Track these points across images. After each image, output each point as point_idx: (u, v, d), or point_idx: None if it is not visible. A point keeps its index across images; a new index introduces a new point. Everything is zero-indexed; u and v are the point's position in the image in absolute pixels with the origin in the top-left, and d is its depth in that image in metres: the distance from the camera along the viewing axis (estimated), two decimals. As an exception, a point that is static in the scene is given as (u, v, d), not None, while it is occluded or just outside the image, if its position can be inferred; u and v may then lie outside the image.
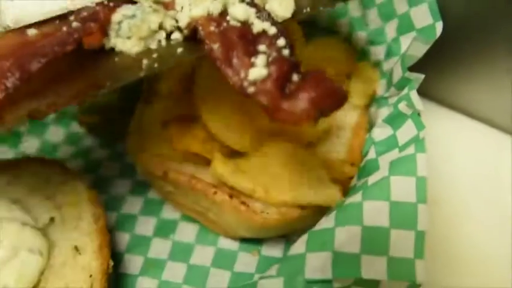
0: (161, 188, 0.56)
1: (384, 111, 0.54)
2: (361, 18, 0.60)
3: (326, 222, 0.44)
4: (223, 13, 0.42)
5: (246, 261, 0.53)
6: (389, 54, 0.56)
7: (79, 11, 0.43)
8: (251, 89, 0.38)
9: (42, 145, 0.64)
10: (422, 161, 0.44)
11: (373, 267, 0.42)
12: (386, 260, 0.42)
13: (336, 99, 0.38)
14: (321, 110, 0.37)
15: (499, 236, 0.56)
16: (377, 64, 0.58)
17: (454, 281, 0.53)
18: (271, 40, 0.40)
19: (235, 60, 0.39)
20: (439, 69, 0.64)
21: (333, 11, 0.62)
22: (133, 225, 0.56)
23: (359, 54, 0.60)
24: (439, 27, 0.50)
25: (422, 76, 0.51)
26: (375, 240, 0.42)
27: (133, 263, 0.53)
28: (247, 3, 0.42)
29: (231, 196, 0.50)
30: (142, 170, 0.56)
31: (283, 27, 0.41)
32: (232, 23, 0.41)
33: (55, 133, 0.65)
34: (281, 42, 0.40)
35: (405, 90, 0.51)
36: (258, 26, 0.41)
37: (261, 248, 0.54)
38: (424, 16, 0.52)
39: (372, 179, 0.46)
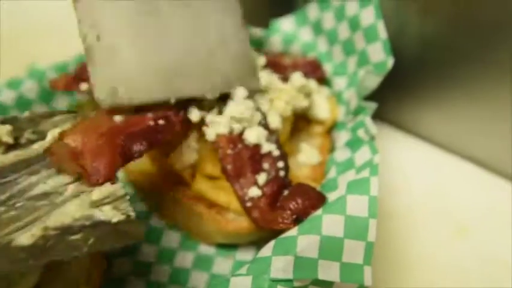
0: (148, 200, 0.62)
1: (343, 135, 0.59)
2: (327, 52, 0.66)
3: (291, 231, 0.48)
4: (241, 133, 0.53)
5: (222, 264, 0.58)
6: (349, 85, 0.62)
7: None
8: (248, 204, 0.53)
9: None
10: (375, 183, 0.48)
11: (328, 270, 0.46)
12: (339, 264, 0.46)
13: (316, 204, 0.51)
14: (302, 216, 0.50)
15: (443, 244, 0.61)
16: (339, 93, 0.64)
17: (403, 283, 0.57)
18: (274, 161, 0.54)
19: (242, 179, 0.53)
20: (400, 98, 0.69)
21: (304, 45, 0.68)
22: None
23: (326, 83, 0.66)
24: (390, 61, 0.56)
25: (375, 104, 0.57)
26: (330, 248, 0.46)
27: (125, 263, 0.57)
28: (262, 125, 0.54)
29: (209, 207, 0.56)
30: (130, 184, 0.62)
31: (285, 152, 0.54)
32: (246, 143, 0.53)
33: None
34: (280, 164, 0.54)
35: (361, 117, 0.57)
36: (265, 147, 0.54)
37: (235, 253, 0.59)
38: (378, 52, 0.58)
39: (331, 197, 0.51)
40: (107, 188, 0.42)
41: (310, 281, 0.47)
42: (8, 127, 0.45)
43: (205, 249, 0.60)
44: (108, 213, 0.41)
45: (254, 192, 0.53)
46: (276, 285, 0.46)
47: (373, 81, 0.58)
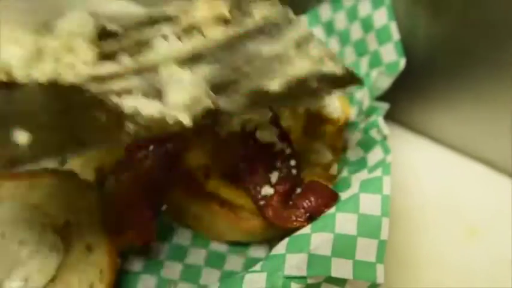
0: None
1: (356, 135, 0.60)
2: (339, 53, 0.66)
3: (304, 229, 0.49)
4: (253, 132, 0.54)
5: (234, 262, 0.58)
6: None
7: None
8: (261, 202, 0.53)
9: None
10: (387, 182, 0.49)
11: (341, 268, 0.46)
12: (352, 262, 0.46)
13: (329, 202, 0.51)
14: (315, 214, 0.50)
15: (453, 244, 0.61)
16: (351, 94, 0.64)
17: (412, 283, 0.58)
18: (286, 159, 0.54)
19: (255, 178, 0.53)
20: (411, 99, 0.69)
21: None
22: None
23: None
24: (402, 62, 0.57)
25: (388, 105, 0.57)
26: (344, 246, 0.47)
27: (136, 261, 0.58)
28: (274, 124, 0.54)
29: (221, 206, 0.57)
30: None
31: (297, 151, 0.54)
32: (259, 142, 0.53)
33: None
34: (293, 162, 0.54)
35: (373, 117, 0.57)
36: (278, 146, 0.54)
37: (247, 251, 0.59)
38: (391, 53, 0.59)
39: (344, 195, 0.51)
40: (322, 49, 0.50)
41: (323, 278, 0.47)
42: (225, 4, 0.51)
43: (217, 246, 0.60)
44: (331, 66, 0.49)
45: (267, 190, 0.54)
46: (289, 282, 0.47)
47: (385, 82, 0.59)
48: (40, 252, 0.52)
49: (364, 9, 0.61)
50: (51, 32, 0.44)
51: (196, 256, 0.59)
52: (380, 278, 0.47)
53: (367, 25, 0.61)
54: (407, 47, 0.59)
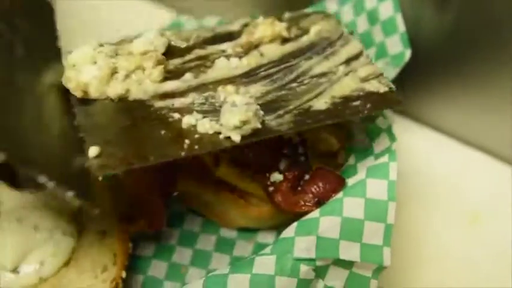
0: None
1: (362, 124, 0.60)
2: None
3: (313, 213, 0.50)
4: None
5: (243, 247, 0.60)
6: (368, 76, 0.64)
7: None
8: (271, 188, 0.54)
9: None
10: (394, 168, 0.50)
11: (349, 251, 0.48)
12: (359, 245, 0.48)
13: (337, 187, 0.52)
14: (323, 199, 0.51)
15: (456, 230, 0.63)
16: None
17: (416, 265, 0.60)
18: (294, 146, 0.55)
19: (264, 165, 0.54)
20: (414, 89, 0.70)
21: None
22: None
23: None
24: (407, 53, 0.58)
25: None
26: (351, 229, 0.48)
27: (148, 247, 0.59)
28: None
29: (231, 192, 0.58)
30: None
31: (304, 138, 0.55)
32: None
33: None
34: (300, 149, 0.55)
35: None
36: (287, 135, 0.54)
37: (256, 237, 0.60)
38: (396, 44, 0.59)
39: (351, 181, 0.52)
40: (369, 67, 0.54)
41: (331, 260, 0.48)
42: (284, 24, 0.57)
43: (227, 233, 0.61)
44: (375, 85, 0.52)
45: (276, 177, 0.55)
46: (299, 264, 0.48)
47: (390, 73, 0.59)
48: (54, 237, 0.53)
49: (370, 2, 0.62)
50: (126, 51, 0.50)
51: (206, 242, 0.60)
52: (387, 261, 0.48)
53: (373, 17, 0.62)
54: (412, 38, 0.59)
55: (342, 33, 0.57)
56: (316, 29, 0.58)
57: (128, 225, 0.56)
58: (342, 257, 0.48)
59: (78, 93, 0.48)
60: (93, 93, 0.48)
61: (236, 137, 0.46)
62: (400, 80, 0.59)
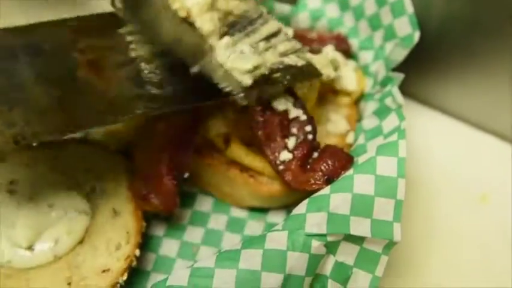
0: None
1: (371, 105, 0.61)
2: (354, 28, 0.68)
3: (324, 190, 0.50)
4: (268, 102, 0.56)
5: (254, 227, 0.60)
6: (376, 58, 0.64)
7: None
8: (281, 167, 0.55)
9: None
10: (403, 146, 0.50)
11: (360, 226, 0.48)
12: (370, 221, 0.48)
13: (345, 164, 0.53)
14: (332, 176, 0.52)
15: (465, 210, 0.63)
16: (365, 66, 0.66)
17: (426, 243, 0.61)
18: (302, 125, 0.56)
19: (272, 144, 0.55)
20: (422, 72, 0.71)
21: (330, 21, 0.70)
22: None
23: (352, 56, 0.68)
24: (416, 35, 0.58)
25: (402, 75, 0.58)
26: (362, 205, 0.48)
27: (160, 226, 0.60)
28: (288, 92, 0.56)
29: (242, 171, 0.58)
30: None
31: (311, 116, 0.56)
32: (275, 110, 0.55)
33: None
34: (308, 128, 0.56)
35: (388, 87, 0.59)
36: (293, 113, 0.56)
37: (266, 216, 0.61)
38: (405, 26, 0.60)
39: (361, 159, 0.52)
40: (288, 43, 0.57)
41: (342, 236, 0.49)
42: None
43: (237, 212, 0.62)
44: (294, 59, 0.56)
45: (285, 156, 0.55)
46: (310, 240, 0.48)
47: (400, 54, 0.60)
48: (68, 216, 0.54)
49: (378, -16, 0.63)
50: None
51: (217, 221, 0.61)
52: (397, 236, 0.49)
53: (381, 0, 0.63)
54: (420, 20, 0.60)
55: (262, 13, 0.58)
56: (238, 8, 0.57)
57: (142, 204, 0.56)
58: (352, 232, 0.48)
59: (181, 14, 0.52)
60: (194, 16, 0.52)
61: (248, 80, 0.52)
62: (407, 62, 0.60)
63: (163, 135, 0.57)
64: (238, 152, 0.58)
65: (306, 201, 0.51)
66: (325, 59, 0.61)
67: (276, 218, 0.61)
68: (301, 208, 0.51)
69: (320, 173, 0.53)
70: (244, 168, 0.58)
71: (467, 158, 0.68)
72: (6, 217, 0.53)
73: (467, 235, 0.62)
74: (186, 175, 0.58)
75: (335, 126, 0.62)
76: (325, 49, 0.64)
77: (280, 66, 0.55)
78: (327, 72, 0.61)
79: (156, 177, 0.56)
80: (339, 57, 0.64)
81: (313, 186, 0.53)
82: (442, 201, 0.64)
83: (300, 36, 0.63)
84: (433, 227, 0.62)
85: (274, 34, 0.57)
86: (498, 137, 0.70)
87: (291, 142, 0.56)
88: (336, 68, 0.63)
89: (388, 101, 0.57)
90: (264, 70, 0.53)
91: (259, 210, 0.62)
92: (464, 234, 0.62)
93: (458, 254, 0.60)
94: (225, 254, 0.49)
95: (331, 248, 0.49)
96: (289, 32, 0.61)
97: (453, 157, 0.68)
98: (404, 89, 0.57)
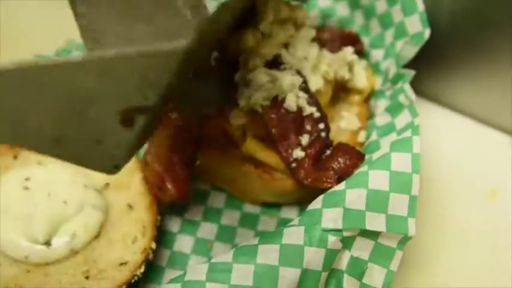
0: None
1: (382, 102, 0.62)
2: (364, 26, 0.68)
3: (338, 186, 0.51)
4: (284, 97, 0.56)
5: (267, 222, 0.61)
6: (386, 55, 0.65)
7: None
8: (294, 164, 0.55)
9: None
10: (417, 142, 0.51)
11: (375, 222, 0.49)
12: (385, 216, 0.49)
13: (357, 162, 0.54)
14: (344, 174, 0.53)
15: (475, 207, 0.64)
16: (376, 64, 0.66)
17: (439, 239, 0.61)
18: (315, 122, 0.56)
19: (286, 142, 0.56)
20: (432, 69, 0.71)
21: (341, 20, 0.71)
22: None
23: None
24: (427, 33, 0.59)
25: (413, 71, 0.59)
26: (377, 201, 0.49)
27: (174, 223, 0.60)
28: (302, 89, 0.56)
29: (256, 167, 0.59)
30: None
31: (325, 114, 0.56)
32: (288, 108, 0.55)
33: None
34: (321, 125, 0.56)
35: (399, 84, 0.59)
36: (307, 110, 0.56)
37: (279, 213, 0.61)
38: (416, 24, 0.60)
39: (375, 155, 0.53)
40: None
41: (358, 231, 0.50)
42: None
43: (251, 208, 0.62)
44: None
45: (298, 153, 0.56)
46: (326, 235, 0.49)
47: (410, 52, 0.61)
48: (84, 211, 0.55)
49: (390, -17, 0.63)
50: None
51: (231, 217, 0.61)
52: (412, 231, 0.49)
53: (392, -1, 0.63)
54: (429, 16, 0.60)
55: None
56: None
57: (160, 194, 0.57)
58: (368, 227, 0.49)
59: None
60: None
61: None
62: (417, 60, 0.61)
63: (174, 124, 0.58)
64: (253, 147, 0.58)
65: (321, 197, 0.51)
66: (343, 61, 0.61)
67: (289, 213, 0.62)
68: (316, 203, 0.51)
69: (332, 172, 0.54)
70: (258, 163, 0.58)
71: (477, 154, 0.69)
72: (22, 213, 0.54)
73: (478, 229, 0.62)
74: (197, 162, 0.60)
75: (346, 124, 0.62)
76: (343, 51, 0.64)
77: None
78: (342, 73, 0.61)
79: (168, 165, 0.57)
80: (353, 57, 0.65)
81: (325, 184, 0.54)
82: (451, 198, 0.65)
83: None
84: (443, 223, 0.63)
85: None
86: (508, 134, 0.70)
87: (305, 139, 0.56)
88: (351, 68, 0.63)
89: (401, 98, 0.58)
90: None
91: (272, 206, 0.62)
92: (475, 229, 0.62)
93: (469, 248, 0.61)
94: (242, 249, 0.49)
95: (346, 243, 0.50)
96: (312, 33, 0.61)
97: (463, 154, 0.69)
98: (413, 87, 0.58)
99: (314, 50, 0.61)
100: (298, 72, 0.58)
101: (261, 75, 0.56)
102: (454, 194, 0.65)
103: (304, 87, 0.57)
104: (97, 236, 0.55)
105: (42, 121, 0.37)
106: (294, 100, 0.56)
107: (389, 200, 0.49)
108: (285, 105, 0.56)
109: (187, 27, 0.49)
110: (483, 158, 0.68)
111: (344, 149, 0.56)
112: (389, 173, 0.50)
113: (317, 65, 0.60)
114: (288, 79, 0.56)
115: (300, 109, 0.57)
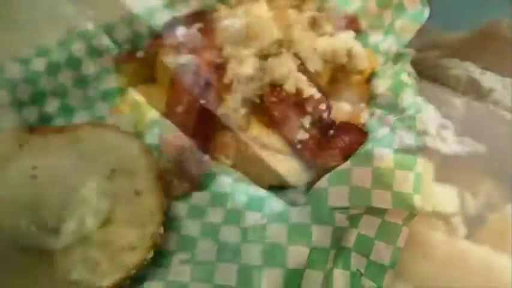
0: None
1: (383, 82, 0.62)
2: (362, 7, 0.68)
3: (344, 165, 0.52)
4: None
5: (274, 205, 0.57)
6: (386, 36, 0.65)
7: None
8: (299, 146, 0.56)
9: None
10: (420, 119, 0.52)
11: (381, 198, 0.49)
12: (391, 193, 0.49)
13: (360, 139, 0.55)
14: (349, 152, 0.53)
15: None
16: (375, 45, 0.67)
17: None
18: (316, 103, 0.57)
19: (289, 124, 0.56)
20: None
21: (339, 2, 0.70)
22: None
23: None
24: (426, 12, 0.60)
25: (413, 51, 0.60)
26: (382, 178, 0.50)
27: (180, 208, 0.60)
28: (301, 71, 0.57)
29: (261, 149, 0.59)
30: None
31: (325, 93, 0.57)
32: (288, 90, 0.56)
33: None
34: (323, 106, 0.56)
35: (400, 64, 0.60)
36: (307, 91, 0.56)
37: (285, 195, 0.60)
38: (415, 3, 0.61)
39: (379, 134, 0.54)
40: None
41: (364, 209, 0.50)
42: None
43: (257, 191, 0.61)
44: None
45: (302, 135, 0.56)
46: (333, 213, 0.50)
47: (410, 31, 0.61)
48: (91, 198, 0.55)
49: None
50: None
51: (237, 201, 0.60)
52: (417, 207, 0.49)
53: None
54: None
55: None
56: None
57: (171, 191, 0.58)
58: (374, 204, 0.50)
59: None
60: None
61: None
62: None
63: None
64: (258, 131, 0.58)
65: (327, 176, 0.52)
66: (342, 44, 0.61)
67: (295, 195, 0.61)
68: (323, 183, 0.52)
69: (337, 150, 0.55)
70: (263, 147, 0.59)
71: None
72: (30, 201, 0.54)
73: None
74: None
75: (348, 104, 0.63)
76: (342, 35, 0.64)
77: None
78: (341, 57, 0.61)
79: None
80: (349, 36, 0.65)
81: (332, 163, 0.54)
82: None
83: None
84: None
85: None
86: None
87: (307, 121, 0.56)
88: (349, 52, 0.63)
89: (404, 77, 0.58)
90: None
91: (278, 188, 0.62)
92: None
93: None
94: (251, 231, 0.49)
95: (353, 221, 0.51)
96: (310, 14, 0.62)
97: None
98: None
99: (312, 32, 0.61)
100: (296, 55, 0.58)
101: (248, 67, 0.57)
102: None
103: (303, 69, 0.58)
104: (105, 223, 0.55)
105: None
106: (293, 83, 0.56)
107: (394, 177, 0.50)
108: (285, 88, 0.56)
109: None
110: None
111: (347, 127, 0.57)
112: (393, 150, 0.51)
113: (315, 47, 0.60)
114: (280, 68, 0.57)
115: (300, 91, 0.57)
